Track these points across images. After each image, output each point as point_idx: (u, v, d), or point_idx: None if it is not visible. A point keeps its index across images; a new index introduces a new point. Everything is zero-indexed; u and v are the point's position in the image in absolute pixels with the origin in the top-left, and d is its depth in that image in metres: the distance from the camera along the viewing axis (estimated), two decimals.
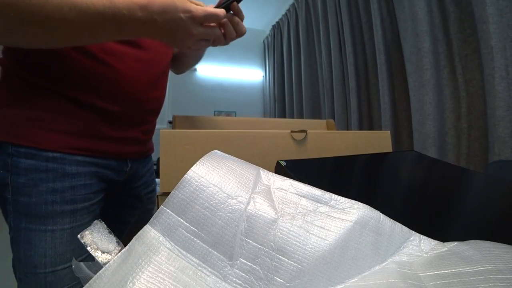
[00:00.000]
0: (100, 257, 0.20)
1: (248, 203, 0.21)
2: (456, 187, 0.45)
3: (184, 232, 0.19)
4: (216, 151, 0.27)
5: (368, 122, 1.74)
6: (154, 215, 0.20)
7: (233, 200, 0.20)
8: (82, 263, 0.20)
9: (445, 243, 0.24)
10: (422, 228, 0.25)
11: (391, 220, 0.24)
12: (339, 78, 1.93)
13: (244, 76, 3.56)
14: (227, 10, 0.44)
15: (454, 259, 0.20)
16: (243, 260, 0.19)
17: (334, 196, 0.24)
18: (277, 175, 0.26)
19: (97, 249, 0.20)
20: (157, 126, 0.69)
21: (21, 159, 0.45)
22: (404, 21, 1.32)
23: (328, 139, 0.62)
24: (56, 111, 0.47)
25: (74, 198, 0.48)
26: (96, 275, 0.18)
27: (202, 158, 0.23)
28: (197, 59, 0.76)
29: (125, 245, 0.21)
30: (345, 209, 0.23)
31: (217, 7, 0.43)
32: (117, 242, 0.21)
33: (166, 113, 2.92)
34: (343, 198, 0.24)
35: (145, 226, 0.20)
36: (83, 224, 0.49)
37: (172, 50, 0.66)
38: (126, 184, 0.61)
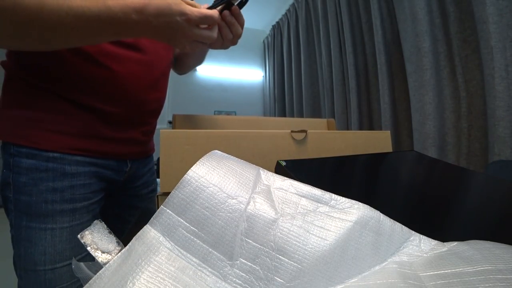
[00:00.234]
0: (100, 257, 0.20)
1: (248, 203, 0.21)
2: (456, 187, 0.45)
3: (184, 232, 0.19)
4: (216, 151, 0.27)
5: (368, 122, 1.74)
6: (154, 215, 0.20)
7: (233, 200, 0.20)
8: (82, 263, 0.20)
9: (445, 243, 0.24)
10: (422, 228, 0.25)
11: (391, 220, 0.24)
12: (339, 78, 1.93)
13: (244, 76, 3.56)
14: (227, 8, 0.43)
15: (454, 259, 0.20)
16: (243, 260, 0.19)
17: (334, 196, 0.24)
18: (277, 175, 0.26)
19: (97, 249, 0.20)
20: (157, 126, 0.69)
21: (22, 159, 0.46)
22: (404, 21, 1.32)
23: (328, 139, 0.62)
24: (56, 112, 0.48)
25: (74, 197, 0.48)
26: (96, 275, 0.18)
27: (202, 158, 0.23)
28: (199, 60, 0.76)
29: (125, 245, 0.21)
30: (345, 209, 0.23)
31: (211, 7, 0.43)
32: (117, 242, 0.21)
33: (166, 113, 2.92)
34: (343, 198, 0.24)
35: (145, 226, 0.20)
36: (83, 223, 0.50)
37: (172, 52, 0.66)
38: (126, 184, 0.61)
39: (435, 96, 1.21)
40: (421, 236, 0.24)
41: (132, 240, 0.19)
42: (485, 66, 1.01)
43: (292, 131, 0.58)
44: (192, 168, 0.21)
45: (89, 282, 0.18)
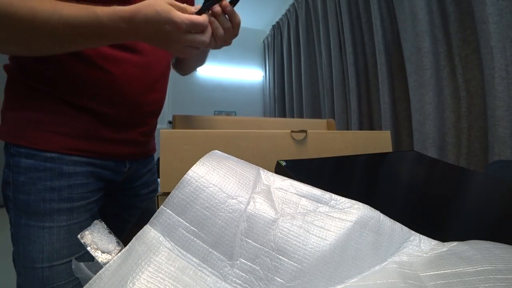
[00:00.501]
0: (100, 257, 0.20)
1: (248, 203, 0.21)
2: (456, 187, 0.45)
3: (184, 232, 0.19)
4: (216, 151, 0.27)
5: (368, 122, 1.74)
6: (154, 215, 0.20)
7: (233, 200, 0.20)
8: (82, 263, 0.20)
9: (445, 243, 0.24)
10: (422, 228, 0.25)
11: (391, 220, 0.24)
12: (339, 78, 1.93)
13: (244, 76, 3.56)
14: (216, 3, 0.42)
15: (454, 259, 0.20)
16: (243, 260, 0.19)
17: (334, 196, 0.24)
18: (277, 175, 0.26)
19: (97, 249, 0.20)
20: (157, 126, 0.69)
21: (21, 159, 0.48)
22: (404, 21, 1.32)
23: (328, 139, 0.62)
24: (55, 114, 0.49)
25: (71, 196, 0.49)
26: (96, 275, 0.18)
27: (202, 158, 0.23)
28: (200, 61, 0.76)
29: (125, 245, 0.21)
30: (345, 209, 0.23)
31: (201, 10, 0.42)
32: (117, 242, 0.21)
33: (166, 113, 2.92)
34: (343, 198, 0.24)
35: (145, 226, 0.20)
36: (80, 222, 0.51)
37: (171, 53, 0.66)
38: (125, 184, 0.61)
39: (435, 96, 1.21)
40: (421, 236, 0.24)
41: (132, 240, 0.19)
42: (485, 66, 1.01)
43: (292, 131, 0.58)
44: (192, 168, 0.21)
45: (89, 282, 0.18)
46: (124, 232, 0.65)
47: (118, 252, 0.19)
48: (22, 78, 0.49)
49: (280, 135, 0.57)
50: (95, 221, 0.22)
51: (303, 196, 0.24)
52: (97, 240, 0.20)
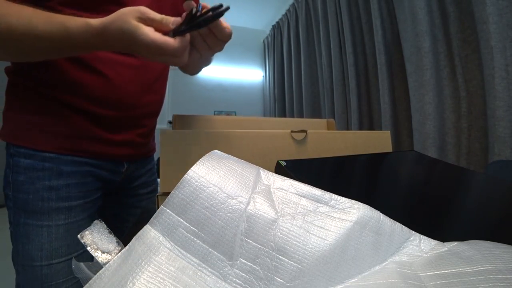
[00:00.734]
0: (100, 257, 0.20)
1: (248, 203, 0.21)
2: (456, 187, 0.45)
3: (184, 232, 0.19)
4: (216, 151, 0.27)
5: (368, 122, 1.74)
6: (154, 215, 0.20)
7: (233, 200, 0.20)
8: (82, 263, 0.20)
9: (445, 243, 0.24)
10: (422, 228, 0.25)
11: (391, 220, 0.24)
12: (339, 78, 1.93)
13: (244, 76, 3.56)
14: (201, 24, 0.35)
15: (454, 259, 0.20)
16: (243, 260, 0.19)
17: (334, 196, 0.24)
18: (277, 175, 0.26)
19: (97, 249, 0.20)
20: (157, 126, 0.69)
21: (21, 159, 0.49)
22: (404, 21, 1.32)
23: (328, 139, 0.62)
24: (52, 115, 0.50)
25: (69, 195, 0.50)
26: (96, 275, 0.18)
27: (202, 158, 0.23)
28: (205, 63, 0.74)
29: (125, 245, 0.21)
30: (345, 209, 0.23)
31: (175, 33, 0.35)
32: (117, 242, 0.21)
33: (166, 113, 2.92)
34: (343, 198, 0.24)
35: (145, 226, 0.20)
36: (78, 221, 0.51)
37: None
38: (123, 184, 0.62)
39: (435, 96, 1.21)
40: (421, 236, 0.24)
41: (132, 240, 0.19)
42: (485, 66, 1.01)
43: (292, 131, 0.58)
44: (192, 168, 0.21)
45: (89, 282, 0.18)
46: (123, 231, 0.65)
47: (118, 252, 0.19)
48: (21, 80, 0.50)
49: (280, 135, 0.57)
50: (95, 221, 0.22)
51: (303, 196, 0.24)
52: (97, 240, 0.20)
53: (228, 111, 3.40)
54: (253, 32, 3.47)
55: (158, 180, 0.70)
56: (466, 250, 0.21)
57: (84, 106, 0.51)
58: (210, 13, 0.34)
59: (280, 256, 0.19)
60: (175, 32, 0.36)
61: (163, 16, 0.36)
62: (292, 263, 0.19)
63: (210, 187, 0.20)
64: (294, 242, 0.19)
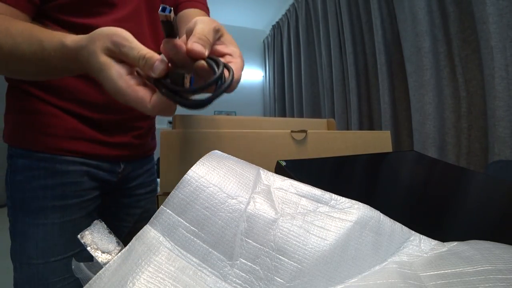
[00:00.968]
0: (100, 257, 0.20)
1: (248, 203, 0.21)
2: (456, 187, 0.45)
3: (184, 232, 0.19)
4: (216, 151, 0.27)
5: (368, 122, 1.74)
6: (154, 215, 0.20)
7: (233, 200, 0.20)
8: (82, 264, 0.20)
9: (445, 243, 0.24)
10: (422, 228, 0.25)
11: (391, 220, 0.24)
12: (339, 78, 1.93)
13: (244, 76, 3.55)
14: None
15: (454, 259, 0.20)
16: (243, 260, 0.19)
17: (334, 196, 0.24)
18: (277, 175, 0.26)
19: (97, 249, 0.20)
20: (157, 126, 0.69)
21: (18, 159, 0.50)
22: (404, 21, 1.32)
23: (328, 139, 0.62)
24: (46, 116, 0.50)
25: (64, 194, 0.51)
26: (96, 275, 0.18)
27: (202, 158, 0.23)
28: None
29: (125, 245, 0.21)
30: (345, 209, 0.23)
31: (159, 84, 0.27)
32: (117, 242, 0.21)
33: None
34: (343, 198, 0.24)
35: (145, 226, 0.20)
36: (74, 220, 0.52)
37: None
38: (121, 184, 0.62)
39: (435, 96, 1.21)
40: (421, 236, 0.24)
41: (132, 240, 0.19)
42: (485, 66, 1.01)
43: (292, 131, 0.58)
44: (192, 168, 0.21)
45: (89, 282, 0.18)
46: (122, 230, 0.66)
47: (118, 252, 0.19)
48: (18, 83, 0.51)
49: (280, 135, 0.57)
50: (95, 221, 0.22)
51: (303, 196, 0.24)
52: (97, 240, 0.20)
53: (228, 111, 3.40)
54: (253, 32, 3.48)
55: (158, 180, 0.70)
56: (466, 250, 0.21)
57: (77, 110, 0.52)
58: (231, 77, 0.26)
59: (280, 256, 0.19)
60: (158, 83, 0.26)
61: (143, 52, 0.27)
62: (292, 263, 0.19)
63: (210, 187, 0.20)
64: (294, 242, 0.19)
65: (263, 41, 3.60)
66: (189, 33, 0.30)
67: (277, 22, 3.08)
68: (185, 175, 0.21)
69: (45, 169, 0.50)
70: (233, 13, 3.10)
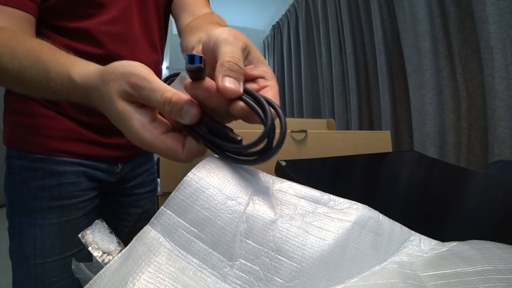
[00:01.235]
0: (100, 257, 0.20)
1: (247, 205, 0.21)
2: (456, 187, 0.45)
3: (184, 232, 0.19)
4: (215, 156, 0.27)
5: (368, 122, 1.74)
6: (154, 216, 0.20)
7: (233, 202, 0.20)
8: (82, 264, 0.20)
9: (445, 243, 0.24)
10: (422, 228, 0.25)
11: (391, 220, 0.24)
12: (339, 78, 1.93)
13: None
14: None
15: (454, 259, 0.20)
16: (243, 261, 0.19)
17: (332, 197, 0.24)
18: (276, 177, 0.26)
19: (98, 248, 0.20)
20: None
21: (16, 160, 0.50)
22: (404, 21, 1.32)
23: (328, 139, 0.62)
24: (42, 118, 0.50)
25: (61, 194, 0.51)
26: (96, 275, 0.18)
27: (202, 161, 0.23)
28: None
29: (125, 245, 0.21)
30: (344, 210, 0.23)
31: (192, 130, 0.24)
32: (118, 242, 0.21)
33: None
34: (342, 199, 0.24)
35: (145, 227, 0.20)
36: (71, 220, 0.52)
37: (158, 53, 0.62)
38: (119, 184, 0.62)
39: (435, 96, 1.21)
40: (421, 236, 0.24)
41: (132, 241, 0.20)
42: (485, 66, 1.01)
43: (292, 131, 0.58)
44: (192, 171, 0.21)
45: (90, 282, 0.18)
46: (122, 230, 0.66)
47: (119, 253, 0.20)
48: None
49: None
50: (96, 221, 0.22)
51: (302, 198, 0.24)
52: (98, 239, 0.21)
53: None
54: (253, 32, 3.47)
55: (158, 180, 0.70)
56: (466, 250, 0.21)
57: (72, 114, 0.52)
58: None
59: (280, 256, 0.19)
60: (190, 130, 0.23)
61: (168, 95, 0.22)
62: (292, 263, 0.19)
63: (210, 189, 0.20)
64: (293, 242, 0.19)
65: (263, 41, 3.60)
66: (207, 52, 0.24)
67: (277, 22, 3.08)
68: (185, 177, 0.21)
69: (42, 169, 0.50)
70: (233, 13, 3.10)
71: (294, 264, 0.19)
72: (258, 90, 0.25)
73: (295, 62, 2.61)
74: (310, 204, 0.23)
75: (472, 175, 0.49)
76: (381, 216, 0.23)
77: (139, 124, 0.23)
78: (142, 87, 0.22)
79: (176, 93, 0.22)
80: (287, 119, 0.84)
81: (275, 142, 0.21)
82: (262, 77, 0.26)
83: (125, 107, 0.23)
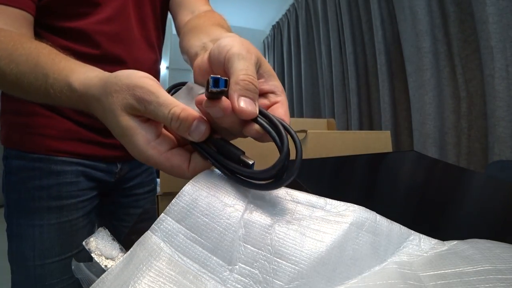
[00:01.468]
0: (103, 262, 0.20)
1: (245, 210, 0.21)
2: (456, 187, 0.45)
3: (184, 238, 0.20)
4: (215, 169, 0.27)
5: (368, 122, 1.74)
6: (155, 222, 0.21)
7: (231, 208, 0.21)
8: (82, 264, 0.21)
9: (445, 242, 0.24)
10: (422, 228, 0.25)
11: (388, 220, 0.24)
12: (339, 78, 1.93)
13: None
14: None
15: (454, 258, 0.20)
16: (242, 265, 0.19)
17: (329, 200, 0.24)
18: None
19: (101, 255, 0.20)
20: None
21: (13, 160, 0.50)
22: (404, 21, 1.32)
23: (328, 139, 0.62)
24: (42, 118, 0.50)
25: (60, 194, 0.50)
26: (98, 279, 0.18)
27: (201, 172, 0.23)
28: None
29: (124, 245, 0.21)
30: (341, 212, 0.23)
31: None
32: (120, 248, 0.21)
33: None
34: (338, 202, 0.24)
35: (146, 232, 0.20)
36: (71, 220, 0.51)
37: (156, 52, 0.62)
38: (118, 184, 0.62)
39: (435, 96, 1.21)
40: (421, 235, 0.24)
41: (133, 246, 0.20)
42: (485, 66, 1.01)
43: None
44: (191, 181, 0.22)
45: (92, 286, 0.18)
46: (121, 230, 0.66)
47: (121, 257, 0.20)
48: None
49: None
50: (99, 228, 0.22)
51: (299, 203, 0.24)
52: (101, 246, 0.21)
53: None
54: (253, 32, 3.47)
55: (158, 180, 0.70)
56: (466, 249, 0.21)
57: (72, 115, 0.51)
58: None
59: (278, 259, 0.19)
60: (197, 147, 0.23)
61: (175, 111, 0.21)
62: (290, 265, 0.19)
63: (209, 197, 0.21)
64: (291, 244, 0.20)
65: (263, 41, 3.60)
66: (216, 63, 0.23)
67: (277, 22, 3.08)
68: (185, 186, 0.21)
69: (40, 169, 0.49)
70: (233, 13, 3.10)
71: (293, 266, 0.19)
72: (269, 106, 0.24)
73: (295, 62, 2.61)
74: (307, 208, 0.23)
75: (472, 175, 0.49)
76: (378, 216, 0.23)
77: (143, 140, 0.22)
78: (149, 102, 0.21)
79: (184, 108, 0.21)
80: None
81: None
82: (273, 92, 0.25)
83: (128, 122, 0.22)
